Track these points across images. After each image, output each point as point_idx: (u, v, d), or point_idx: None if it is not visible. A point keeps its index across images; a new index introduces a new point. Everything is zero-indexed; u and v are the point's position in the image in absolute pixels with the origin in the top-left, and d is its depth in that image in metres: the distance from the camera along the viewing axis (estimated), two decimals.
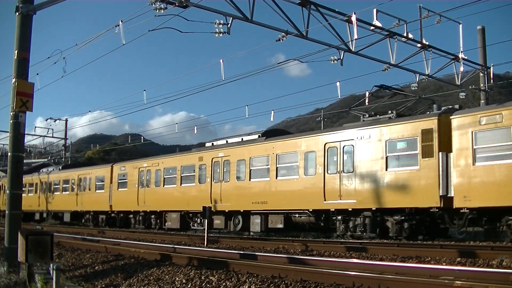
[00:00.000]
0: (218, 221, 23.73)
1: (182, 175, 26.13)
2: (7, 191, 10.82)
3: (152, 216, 28.44)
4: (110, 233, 25.42)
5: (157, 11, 13.67)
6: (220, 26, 15.00)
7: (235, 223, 23.06)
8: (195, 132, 38.72)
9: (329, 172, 18.94)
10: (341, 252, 14.06)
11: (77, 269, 12.57)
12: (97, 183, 33.30)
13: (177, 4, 13.78)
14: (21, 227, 10.52)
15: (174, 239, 20.60)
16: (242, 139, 23.85)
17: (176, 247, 15.49)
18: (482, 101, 23.89)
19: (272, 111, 29.52)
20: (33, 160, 70.03)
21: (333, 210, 18.71)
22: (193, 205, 24.50)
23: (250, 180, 22.22)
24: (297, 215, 20.52)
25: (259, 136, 23.15)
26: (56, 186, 37.77)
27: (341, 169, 18.46)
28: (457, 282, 6.95)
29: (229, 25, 15.03)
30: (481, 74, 23.97)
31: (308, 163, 19.85)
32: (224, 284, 8.66)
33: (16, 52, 10.82)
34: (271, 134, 23.45)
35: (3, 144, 46.82)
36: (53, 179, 38.49)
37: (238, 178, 22.82)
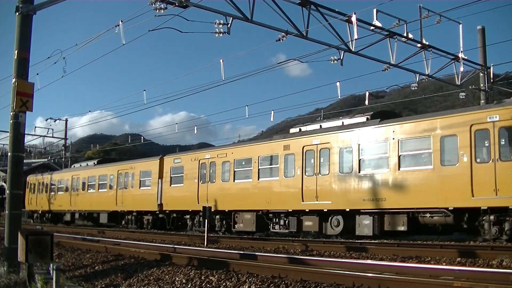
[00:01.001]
0: (309, 223, 19.90)
1: (260, 167, 22.12)
2: (7, 191, 10.80)
3: (217, 217, 24.18)
4: (110, 233, 25.42)
5: (157, 11, 13.68)
6: (220, 26, 15.00)
7: (334, 225, 19.16)
8: (195, 132, 38.71)
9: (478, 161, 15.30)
10: (341, 252, 14.06)
11: (77, 269, 12.57)
12: (142, 179, 29.26)
13: (177, 4, 13.79)
14: (21, 227, 10.52)
15: (174, 239, 20.61)
16: (343, 122, 20.00)
17: (176, 247, 15.49)
18: (482, 101, 23.88)
19: (272, 111, 29.51)
20: (33, 160, 70.09)
21: (485, 208, 14.95)
22: (275, 203, 20.90)
23: (359, 172, 18.22)
24: (427, 215, 16.54)
25: (368, 119, 19.15)
26: (92, 183, 34.18)
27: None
28: (457, 282, 6.95)
29: (229, 25, 15.04)
30: (481, 74, 23.96)
31: (446, 149, 16.13)
32: (224, 284, 8.66)
33: (16, 52, 10.81)
34: (383, 115, 19.10)
35: (3, 144, 46.81)
36: (87, 175, 34.92)
37: (341, 169, 18.82)
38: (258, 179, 22.08)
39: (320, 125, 20.98)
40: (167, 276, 9.94)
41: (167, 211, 27.25)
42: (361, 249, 14.00)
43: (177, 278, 9.61)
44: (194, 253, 13.79)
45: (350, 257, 12.46)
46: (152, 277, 10.08)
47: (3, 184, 47.43)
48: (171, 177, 27.07)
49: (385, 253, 12.74)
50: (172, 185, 26.94)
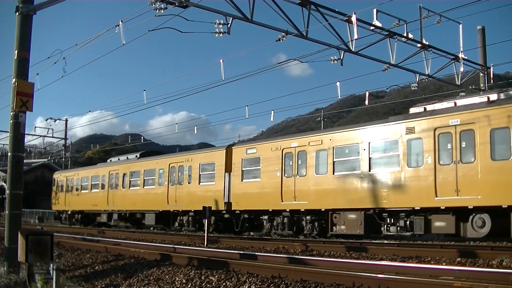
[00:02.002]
0: (441, 223, 16.26)
1: (371, 155, 18.31)
2: (7, 191, 10.80)
3: (307, 218, 20.31)
4: (110, 233, 25.42)
5: (157, 11, 13.69)
6: (220, 26, 15.01)
7: (477, 225, 15.44)
8: (195, 132, 38.67)
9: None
10: (341, 252, 14.07)
11: (77, 269, 12.57)
12: (202, 173, 25.35)
13: (177, 4, 13.79)
14: (21, 227, 10.52)
15: (174, 239, 20.61)
16: (488, 98, 16.09)
17: (176, 247, 15.49)
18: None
19: (272, 111, 29.50)
20: (33, 160, 70.19)
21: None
22: (394, 200, 17.28)
23: None
24: None
25: None
26: (135, 179, 30.31)
27: None
28: (457, 282, 6.95)
29: (229, 25, 15.05)
30: (481, 74, 23.96)
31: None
32: (224, 284, 8.66)
33: (16, 52, 10.81)
34: None
35: (3, 144, 46.77)
36: (129, 170, 31.01)
37: (495, 155, 15.04)
38: (370, 170, 18.16)
39: (455, 102, 17.07)
40: (167, 276, 9.94)
41: (237, 211, 23.31)
42: (361, 249, 14.00)
43: (177, 278, 9.61)
44: (194, 253, 13.79)
45: (350, 257, 12.46)
46: (152, 277, 10.08)
47: (3, 184, 47.42)
48: (242, 171, 23.14)
49: (385, 253, 12.74)
50: (244, 180, 23.01)
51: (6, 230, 10.61)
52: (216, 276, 9.15)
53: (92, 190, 34.75)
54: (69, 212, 37.70)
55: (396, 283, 7.37)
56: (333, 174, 19.46)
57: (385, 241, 16.96)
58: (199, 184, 25.45)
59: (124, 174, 31.36)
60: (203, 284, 8.88)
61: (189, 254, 13.14)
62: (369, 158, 18.29)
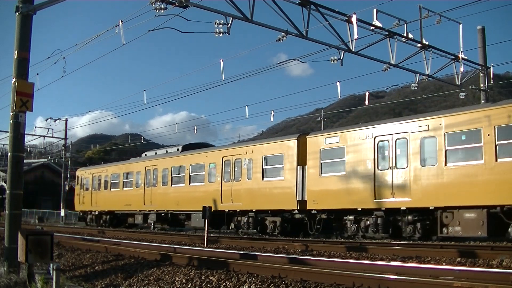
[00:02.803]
0: None
1: (498, 142, 15.07)
2: (7, 191, 10.80)
3: (408, 218, 17.23)
4: (110, 233, 25.42)
5: (157, 11, 13.69)
6: (220, 26, 15.02)
7: None
8: (195, 132, 38.64)
9: None
10: (341, 252, 14.07)
11: (77, 269, 12.57)
12: (266, 167, 22.20)
13: (177, 4, 13.80)
14: (21, 227, 10.52)
15: (174, 239, 20.62)
16: None
17: (176, 247, 15.49)
18: (482, 101, 23.89)
19: (272, 111, 29.54)
20: (33, 160, 70.25)
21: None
22: None
23: None
24: None
25: None
26: (178, 176, 27.22)
27: None
28: (457, 282, 6.95)
29: (229, 25, 15.05)
30: (481, 74, 23.97)
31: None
32: (224, 284, 8.66)
33: (16, 52, 10.81)
34: None
35: (3, 144, 46.75)
36: (171, 165, 27.74)
37: None
38: (496, 160, 15.08)
39: None
40: (167, 276, 9.94)
41: (313, 211, 20.04)
42: (361, 249, 14.00)
43: (177, 278, 9.61)
44: (194, 253, 13.79)
45: (350, 257, 12.46)
46: (152, 277, 10.08)
47: (3, 184, 47.42)
48: (321, 163, 19.93)
49: (385, 253, 12.75)
50: (323, 175, 19.82)
51: (6, 230, 10.61)
52: (216, 276, 9.15)
53: (124, 188, 31.42)
54: (96, 213, 34.39)
55: (396, 283, 7.37)
56: (445, 165, 16.21)
57: (385, 241, 16.97)
58: (262, 179, 22.11)
59: (164, 170, 27.97)
60: (203, 284, 8.88)
61: (189, 254, 13.14)
62: (496, 146, 15.07)
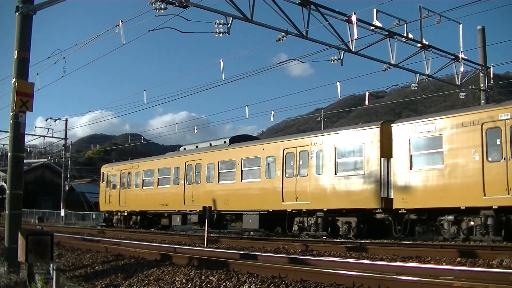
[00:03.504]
0: None
1: None
2: (7, 191, 10.80)
3: None
4: (110, 233, 25.42)
5: (157, 11, 13.68)
6: (220, 26, 15.01)
7: None
8: (195, 132, 38.56)
9: None
10: (341, 252, 14.07)
11: (77, 269, 12.57)
12: (339, 160, 19.36)
13: (177, 4, 13.79)
14: (21, 227, 10.52)
15: (174, 239, 20.62)
16: None
17: (176, 247, 15.49)
18: (482, 101, 23.89)
19: (272, 111, 29.45)
20: (33, 160, 70.25)
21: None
22: None
23: None
24: None
25: None
26: (227, 171, 24.27)
27: None
28: (457, 282, 6.95)
29: (229, 25, 15.05)
30: (481, 74, 23.97)
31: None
32: (224, 284, 8.66)
33: (16, 52, 10.82)
34: None
35: (3, 144, 46.69)
36: (217, 159, 24.81)
37: None
38: None
39: None
40: (167, 276, 9.94)
41: (402, 211, 17.44)
42: (361, 249, 14.00)
43: (177, 278, 9.61)
44: (194, 253, 13.79)
45: (350, 257, 12.46)
46: (152, 277, 10.08)
47: (3, 184, 47.40)
48: (411, 155, 17.38)
49: (385, 253, 12.75)
50: (415, 168, 17.26)
51: (6, 230, 10.61)
52: (216, 276, 9.15)
53: (159, 186, 28.38)
54: (125, 213, 31.19)
55: (396, 283, 7.37)
56: None
57: (385, 241, 16.98)
58: (335, 174, 19.34)
59: (210, 165, 24.98)
60: (203, 284, 8.88)
61: (189, 254, 13.14)
62: None
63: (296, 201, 20.58)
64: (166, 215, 28.36)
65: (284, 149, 21.57)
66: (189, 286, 9.00)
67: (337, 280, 7.81)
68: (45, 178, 69.89)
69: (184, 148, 28.96)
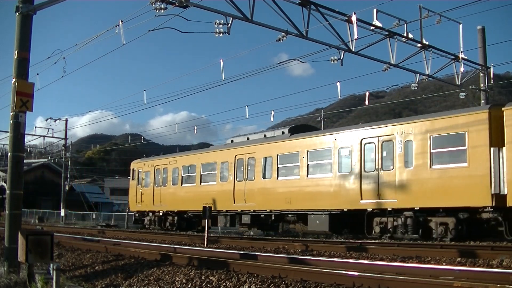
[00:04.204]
0: None
1: None
2: (7, 191, 10.80)
3: None
4: (110, 233, 25.41)
5: (157, 11, 13.69)
6: (220, 26, 15.02)
7: None
8: (195, 132, 38.51)
9: None
10: (341, 252, 14.07)
11: (77, 269, 12.58)
12: (434, 150, 16.72)
13: (177, 4, 13.80)
14: (21, 227, 10.53)
15: (174, 239, 20.61)
16: None
17: (176, 247, 15.49)
18: (482, 101, 23.90)
19: (272, 111, 29.43)
20: (33, 160, 70.26)
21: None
22: None
23: None
24: None
25: None
26: (288, 166, 21.39)
27: None
28: (457, 282, 6.95)
29: (229, 25, 15.05)
30: (481, 74, 23.97)
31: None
32: (224, 284, 8.66)
33: (16, 52, 10.82)
34: None
35: (3, 144, 46.69)
36: (276, 152, 21.81)
37: None
38: None
39: None
40: (167, 276, 9.94)
41: None
42: (361, 249, 14.00)
43: (177, 278, 9.61)
44: (194, 253, 13.79)
45: (350, 257, 12.46)
46: (152, 277, 10.08)
47: (3, 184, 47.40)
48: None
49: (385, 253, 12.75)
50: None
51: (6, 230, 10.61)
52: (216, 276, 9.15)
53: (203, 183, 25.52)
54: (160, 214, 28.25)
55: (396, 283, 7.37)
56: None
57: (385, 241, 16.98)
58: (430, 167, 16.68)
59: (266, 159, 22.18)
60: (203, 284, 8.88)
61: (189, 254, 13.14)
62: None
63: (378, 199, 17.91)
64: (225, 217, 25.16)
65: (362, 139, 18.73)
66: (189, 286, 9.00)
67: (337, 280, 7.81)
68: (45, 178, 69.88)
69: (232, 141, 25.68)
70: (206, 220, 18.55)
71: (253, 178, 22.80)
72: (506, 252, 11.95)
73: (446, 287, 6.95)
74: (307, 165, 20.51)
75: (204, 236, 18.23)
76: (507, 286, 6.64)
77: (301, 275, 8.40)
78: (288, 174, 21.50)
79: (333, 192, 19.44)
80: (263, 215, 22.64)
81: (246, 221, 23.22)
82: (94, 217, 49.80)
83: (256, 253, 12.89)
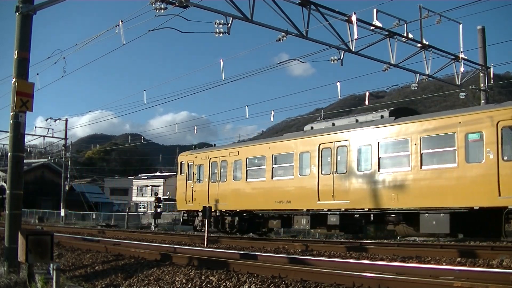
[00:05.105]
0: None
1: None
2: (7, 191, 10.80)
3: None
4: (110, 233, 25.40)
5: (157, 11, 13.69)
6: (220, 26, 15.02)
7: None
8: (195, 132, 38.42)
9: None
10: (341, 252, 14.07)
11: (77, 269, 12.57)
12: None
13: (177, 4, 13.80)
14: (21, 227, 10.53)
15: (174, 239, 20.61)
16: None
17: (176, 247, 15.49)
18: (483, 101, 23.90)
19: (272, 111, 29.37)
20: (33, 160, 70.30)
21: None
22: None
23: None
24: None
25: None
26: (395, 156, 17.71)
27: None
28: (457, 282, 6.95)
29: (229, 25, 15.05)
30: (481, 74, 23.97)
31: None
32: (224, 284, 8.66)
33: (16, 52, 10.83)
34: None
35: (3, 144, 46.69)
36: (376, 139, 18.03)
37: None
38: None
39: None
40: (167, 276, 9.94)
41: None
42: (361, 249, 14.00)
43: (177, 278, 9.61)
44: (194, 253, 13.79)
45: (350, 257, 12.46)
46: (152, 277, 10.08)
47: (3, 184, 47.39)
48: None
49: (385, 253, 12.75)
50: None
51: (6, 230, 10.61)
52: (216, 276, 9.15)
53: (275, 178, 21.76)
54: (217, 214, 24.24)
55: (396, 283, 7.37)
56: None
57: (385, 241, 16.97)
58: None
59: (362, 148, 18.53)
60: (203, 284, 8.88)
61: (189, 254, 13.14)
62: None
63: None
64: (285, 215, 21.72)
65: (499, 121, 15.09)
66: (189, 286, 9.00)
67: (337, 280, 7.81)
68: (45, 178, 69.91)
69: (312, 128, 21.85)
70: (206, 220, 18.56)
71: (345, 170, 18.85)
72: (506, 252, 11.95)
73: (446, 287, 6.95)
74: (421, 154, 16.79)
75: (204, 236, 18.23)
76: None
77: (301, 275, 8.40)
78: (395, 165, 17.63)
79: (457, 186, 15.81)
80: (357, 215, 18.68)
81: (333, 222, 19.19)
82: (94, 217, 49.84)
83: (256, 253, 12.90)
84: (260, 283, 8.27)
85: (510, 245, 13.94)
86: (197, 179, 25.72)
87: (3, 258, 10.51)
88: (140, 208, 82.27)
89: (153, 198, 44.14)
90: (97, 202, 63.94)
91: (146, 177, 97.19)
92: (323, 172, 19.76)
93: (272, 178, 21.87)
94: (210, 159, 25.16)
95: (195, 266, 10.49)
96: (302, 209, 20.35)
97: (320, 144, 20.04)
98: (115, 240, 19.15)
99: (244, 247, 16.15)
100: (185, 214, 26.61)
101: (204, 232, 18.03)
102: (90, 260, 13.42)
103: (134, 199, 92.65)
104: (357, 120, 20.04)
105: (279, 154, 21.85)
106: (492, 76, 24.07)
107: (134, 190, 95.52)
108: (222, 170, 24.45)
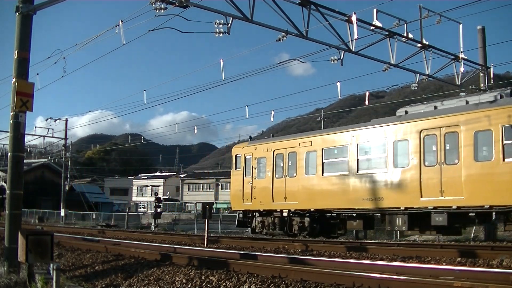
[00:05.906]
0: None
1: None
2: (7, 191, 10.79)
3: None
4: (110, 233, 25.41)
5: (157, 11, 13.68)
6: (220, 26, 15.01)
7: None
8: (195, 132, 38.40)
9: None
10: (341, 252, 14.07)
11: (77, 269, 12.57)
12: None
13: (177, 4, 13.79)
14: (21, 227, 10.53)
15: (174, 239, 20.61)
16: None
17: (176, 247, 15.49)
18: None
19: (272, 111, 29.32)
20: (33, 160, 70.29)
21: None
22: None
23: None
24: None
25: None
26: None
27: None
28: (457, 282, 6.95)
29: (229, 25, 15.05)
30: (481, 74, 23.96)
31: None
32: (224, 284, 8.66)
33: (16, 52, 10.83)
34: None
35: (3, 144, 46.67)
36: (497, 123, 15.02)
37: None
38: None
39: None
40: (167, 276, 9.94)
41: None
42: (361, 249, 14.00)
43: (177, 278, 9.61)
44: (194, 253, 13.79)
45: (350, 257, 12.46)
46: (152, 277, 10.08)
47: (3, 184, 47.37)
48: None
49: (385, 253, 12.75)
50: None
51: (6, 230, 10.61)
52: (216, 276, 9.15)
53: (361, 171, 18.80)
54: (284, 214, 21.29)
55: (396, 283, 7.37)
56: None
57: (385, 241, 16.96)
58: None
59: (479, 134, 15.56)
60: (203, 284, 8.88)
61: (189, 254, 13.14)
62: None
63: None
64: (379, 215, 18.90)
65: None
66: (189, 286, 9.00)
67: (337, 280, 7.81)
68: (45, 178, 69.91)
69: (406, 112, 18.75)
70: (206, 219, 18.56)
71: (456, 161, 15.98)
72: (506, 252, 11.96)
73: (446, 287, 6.95)
74: None
75: (204, 236, 18.23)
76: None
77: (301, 275, 8.40)
78: None
79: None
80: (473, 214, 15.91)
81: (439, 222, 16.12)
82: (94, 217, 49.79)
83: (256, 253, 12.90)
84: (260, 283, 8.27)
85: (510, 245, 13.94)
86: (259, 175, 22.62)
87: (3, 258, 10.51)
88: (140, 208, 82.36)
89: (153, 198, 44.17)
90: (97, 202, 63.93)
91: (146, 177, 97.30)
92: (426, 164, 16.77)
93: (357, 172, 18.87)
94: (274, 150, 22.05)
95: (195, 266, 10.49)
96: (399, 207, 17.33)
97: (421, 131, 17.11)
98: (115, 240, 19.15)
99: (244, 247, 16.15)
100: (241, 215, 23.53)
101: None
102: (90, 260, 13.42)
103: (134, 199, 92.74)
104: (467, 102, 17.00)
105: (363, 143, 18.97)
106: (492, 76, 24.05)
107: (134, 190, 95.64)
108: (290, 164, 21.34)
